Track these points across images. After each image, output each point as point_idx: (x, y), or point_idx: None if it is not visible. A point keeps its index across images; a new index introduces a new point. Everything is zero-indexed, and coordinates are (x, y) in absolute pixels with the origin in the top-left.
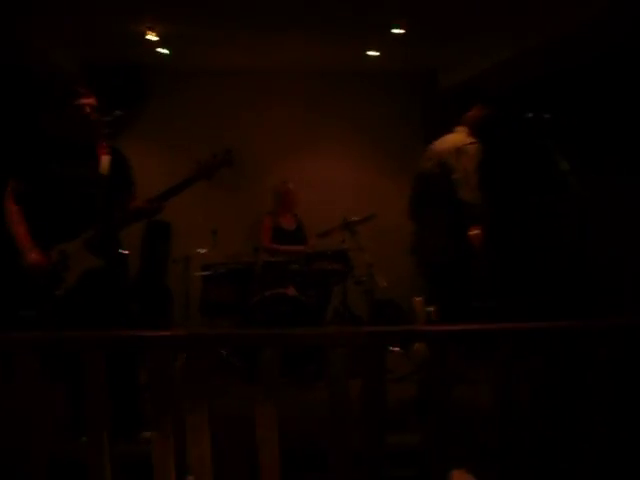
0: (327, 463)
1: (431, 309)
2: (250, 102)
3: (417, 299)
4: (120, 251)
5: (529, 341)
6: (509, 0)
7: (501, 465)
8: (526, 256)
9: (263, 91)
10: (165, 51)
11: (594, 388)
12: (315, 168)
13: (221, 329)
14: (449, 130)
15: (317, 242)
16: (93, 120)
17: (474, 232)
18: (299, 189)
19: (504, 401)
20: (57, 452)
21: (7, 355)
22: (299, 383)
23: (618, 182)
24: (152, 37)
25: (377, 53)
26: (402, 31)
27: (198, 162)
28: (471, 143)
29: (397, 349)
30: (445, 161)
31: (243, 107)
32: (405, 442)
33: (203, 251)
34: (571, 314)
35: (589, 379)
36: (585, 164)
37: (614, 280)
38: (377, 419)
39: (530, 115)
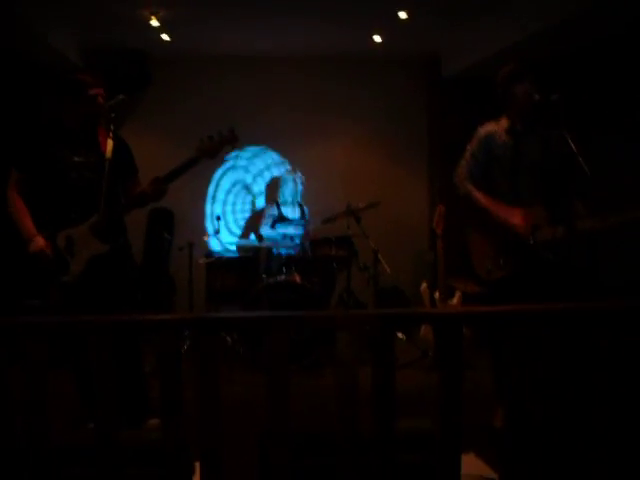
0: (337, 449)
1: (436, 295)
2: (252, 87)
3: (423, 285)
4: (124, 238)
5: (542, 323)
6: None
7: (512, 450)
8: None
9: (265, 76)
10: (167, 37)
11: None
12: (319, 154)
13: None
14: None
15: (321, 228)
16: (102, 107)
17: None
18: (305, 175)
19: (516, 385)
20: (65, 439)
21: (14, 341)
22: (305, 371)
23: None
24: (155, 22)
25: (380, 39)
26: (406, 16)
27: (201, 140)
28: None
29: (400, 335)
30: None
31: (245, 92)
32: (414, 427)
33: (207, 238)
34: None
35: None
36: (591, 144)
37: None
38: (388, 402)
39: (537, 97)
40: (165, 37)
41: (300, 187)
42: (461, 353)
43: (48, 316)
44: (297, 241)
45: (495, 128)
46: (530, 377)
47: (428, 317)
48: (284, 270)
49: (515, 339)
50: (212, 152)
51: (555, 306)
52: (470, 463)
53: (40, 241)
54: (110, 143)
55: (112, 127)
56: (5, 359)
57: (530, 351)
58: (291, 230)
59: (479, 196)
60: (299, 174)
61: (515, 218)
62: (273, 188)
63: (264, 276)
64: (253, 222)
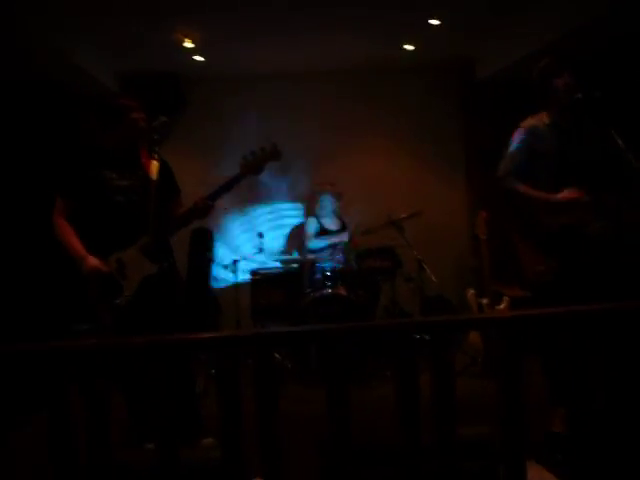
0: (398, 458)
1: (484, 301)
2: (287, 104)
3: (470, 292)
4: (172, 259)
5: (597, 324)
6: None
7: (575, 458)
8: None
9: (300, 92)
10: (200, 58)
11: None
12: (355, 167)
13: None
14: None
15: (362, 240)
16: (145, 131)
17: None
18: (342, 188)
19: (577, 388)
20: (121, 460)
21: (72, 365)
22: (354, 384)
23: None
24: (188, 44)
25: (412, 47)
26: (438, 22)
27: (244, 158)
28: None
29: None
30: None
31: (281, 109)
32: (473, 434)
33: (250, 255)
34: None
35: None
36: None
37: None
38: (449, 410)
39: (579, 96)
40: (199, 58)
41: (337, 200)
42: (520, 358)
43: (102, 339)
44: (340, 253)
45: (537, 123)
46: (591, 379)
47: (484, 323)
48: (328, 283)
49: (572, 341)
50: (256, 168)
51: (609, 306)
52: (532, 471)
53: (92, 260)
54: (155, 164)
55: (156, 149)
56: (65, 382)
57: (588, 352)
58: (333, 241)
59: (525, 189)
60: (335, 189)
61: (571, 195)
62: (312, 202)
63: (309, 290)
64: (295, 237)
